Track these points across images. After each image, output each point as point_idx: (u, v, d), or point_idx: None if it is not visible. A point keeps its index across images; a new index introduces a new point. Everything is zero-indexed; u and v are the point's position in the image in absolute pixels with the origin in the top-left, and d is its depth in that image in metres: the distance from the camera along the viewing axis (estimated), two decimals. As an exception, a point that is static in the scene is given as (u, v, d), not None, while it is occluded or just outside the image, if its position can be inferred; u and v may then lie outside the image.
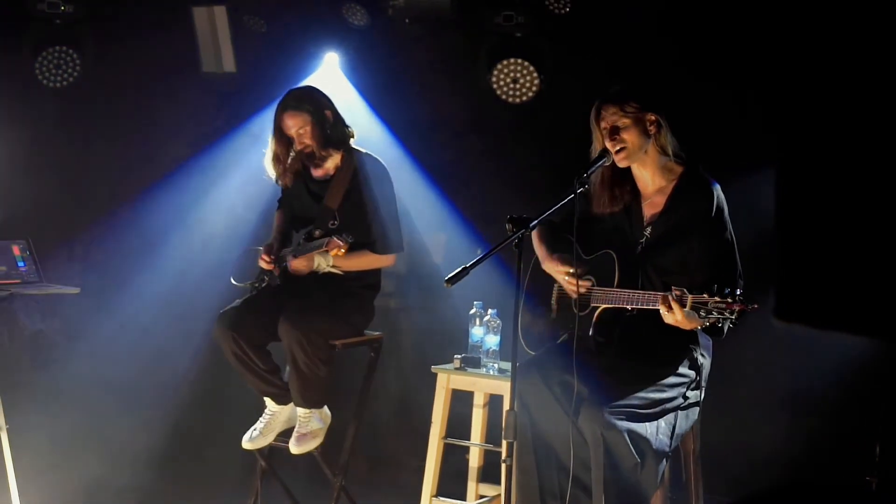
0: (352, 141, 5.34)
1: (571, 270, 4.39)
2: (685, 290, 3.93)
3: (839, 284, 5.55)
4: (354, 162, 5.27)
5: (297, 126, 5.18)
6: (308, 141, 5.18)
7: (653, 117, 4.33)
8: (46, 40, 6.81)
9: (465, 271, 3.89)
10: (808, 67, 5.60)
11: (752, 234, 4.99)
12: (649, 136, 4.34)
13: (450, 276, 3.88)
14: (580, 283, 4.36)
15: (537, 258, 4.66)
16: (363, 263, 5.25)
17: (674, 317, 3.97)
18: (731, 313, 3.81)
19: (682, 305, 3.93)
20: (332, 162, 5.28)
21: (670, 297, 3.94)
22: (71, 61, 6.83)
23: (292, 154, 5.24)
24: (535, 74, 6.37)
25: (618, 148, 4.32)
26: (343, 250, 4.96)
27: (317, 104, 5.22)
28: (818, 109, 5.60)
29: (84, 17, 6.84)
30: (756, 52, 5.74)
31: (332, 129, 5.22)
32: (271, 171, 5.33)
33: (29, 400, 6.11)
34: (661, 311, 4.02)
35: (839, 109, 5.51)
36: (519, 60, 6.38)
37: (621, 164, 4.38)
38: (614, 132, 4.32)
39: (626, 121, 4.31)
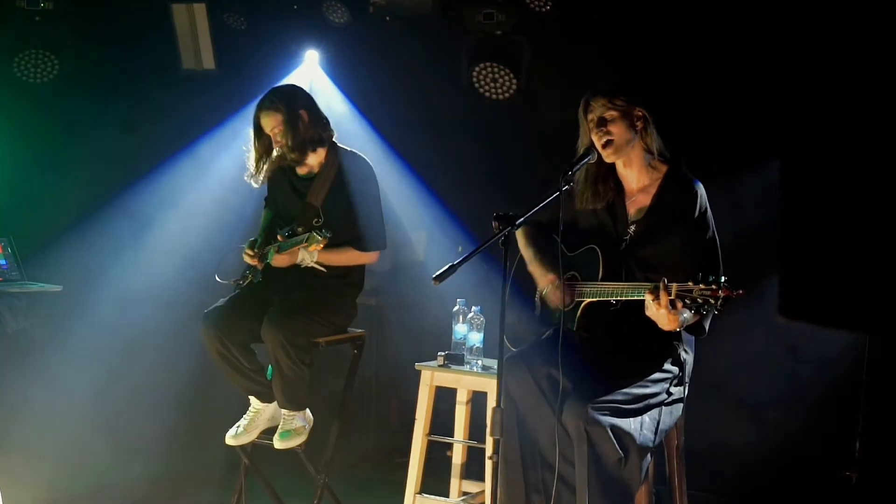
0: (336, 139, 5.34)
1: (554, 279, 4.44)
2: (667, 280, 3.97)
3: (818, 281, 5.58)
4: (339, 160, 5.27)
5: (270, 125, 5.18)
6: (280, 139, 5.18)
7: (640, 112, 4.36)
8: (25, 40, 6.79)
9: (452, 269, 3.87)
10: (800, 63, 5.62)
11: (739, 232, 5.04)
12: (636, 132, 4.37)
13: (437, 273, 3.87)
14: (562, 289, 4.39)
15: (522, 255, 4.69)
16: (346, 260, 5.25)
17: (658, 307, 4.00)
18: (716, 300, 3.85)
19: (667, 294, 3.96)
20: (316, 159, 5.28)
21: (660, 285, 3.97)
22: (49, 62, 6.82)
23: (276, 151, 5.24)
24: (511, 76, 6.39)
25: (604, 140, 4.35)
26: (321, 245, 4.98)
27: (291, 104, 5.20)
28: (815, 105, 5.61)
29: (64, 13, 6.82)
30: (743, 51, 5.75)
31: (305, 130, 5.20)
32: (251, 167, 5.33)
33: (11, 398, 6.09)
34: (645, 303, 4.05)
35: (836, 105, 5.51)
36: (492, 63, 6.39)
37: (608, 159, 4.40)
38: (601, 123, 4.35)
39: (614, 113, 4.34)
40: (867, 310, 5.42)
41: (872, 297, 5.39)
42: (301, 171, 5.31)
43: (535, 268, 4.61)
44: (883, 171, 5.41)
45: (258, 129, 5.24)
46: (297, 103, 5.22)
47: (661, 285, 3.97)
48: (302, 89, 5.38)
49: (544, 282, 4.54)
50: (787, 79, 5.70)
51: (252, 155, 5.31)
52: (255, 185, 5.37)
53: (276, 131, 5.17)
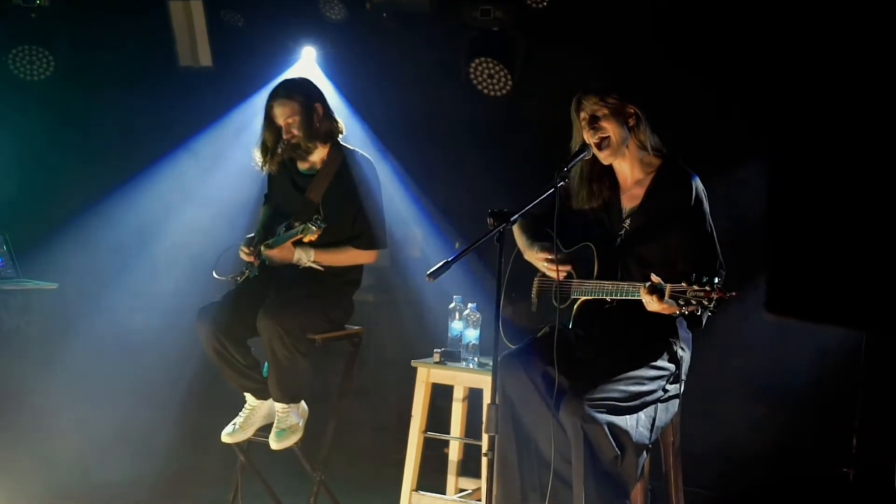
0: (340, 137, 5.33)
1: (551, 257, 4.41)
2: (661, 280, 3.96)
3: (817, 277, 5.57)
4: (341, 157, 5.26)
5: (285, 115, 5.17)
6: (295, 131, 5.17)
7: (632, 109, 4.35)
8: (20, 36, 6.78)
9: (447, 265, 3.88)
10: (796, 60, 5.61)
11: (733, 227, 5.02)
12: (629, 129, 4.36)
13: (432, 269, 3.88)
14: (561, 268, 4.37)
15: (518, 252, 4.68)
16: (344, 259, 5.24)
17: (657, 305, 3.99)
18: (710, 301, 3.84)
19: (661, 295, 3.95)
20: (318, 155, 5.28)
21: (648, 287, 3.97)
22: (44, 59, 6.81)
23: (281, 144, 5.23)
24: (507, 72, 6.38)
25: (598, 138, 4.34)
26: (315, 236, 4.97)
27: (307, 95, 5.21)
28: (808, 102, 5.59)
29: (60, 10, 6.81)
30: (741, 48, 5.74)
31: (320, 123, 5.21)
32: (258, 158, 5.32)
33: (6, 396, 6.08)
34: (643, 300, 4.04)
35: (827, 102, 5.50)
36: (489, 59, 6.39)
37: (606, 161, 4.40)
38: (594, 121, 4.34)
39: (605, 110, 4.33)
40: (858, 307, 5.41)
41: (867, 294, 5.38)
42: (302, 166, 5.31)
43: (530, 252, 4.58)
44: (879, 169, 5.40)
45: (269, 119, 5.23)
46: (313, 96, 5.24)
47: (645, 289, 3.98)
48: (314, 83, 5.38)
49: (540, 259, 4.50)
50: (785, 78, 5.69)
51: (259, 144, 5.30)
52: (263, 172, 5.37)
53: (291, 121, 5.16)
